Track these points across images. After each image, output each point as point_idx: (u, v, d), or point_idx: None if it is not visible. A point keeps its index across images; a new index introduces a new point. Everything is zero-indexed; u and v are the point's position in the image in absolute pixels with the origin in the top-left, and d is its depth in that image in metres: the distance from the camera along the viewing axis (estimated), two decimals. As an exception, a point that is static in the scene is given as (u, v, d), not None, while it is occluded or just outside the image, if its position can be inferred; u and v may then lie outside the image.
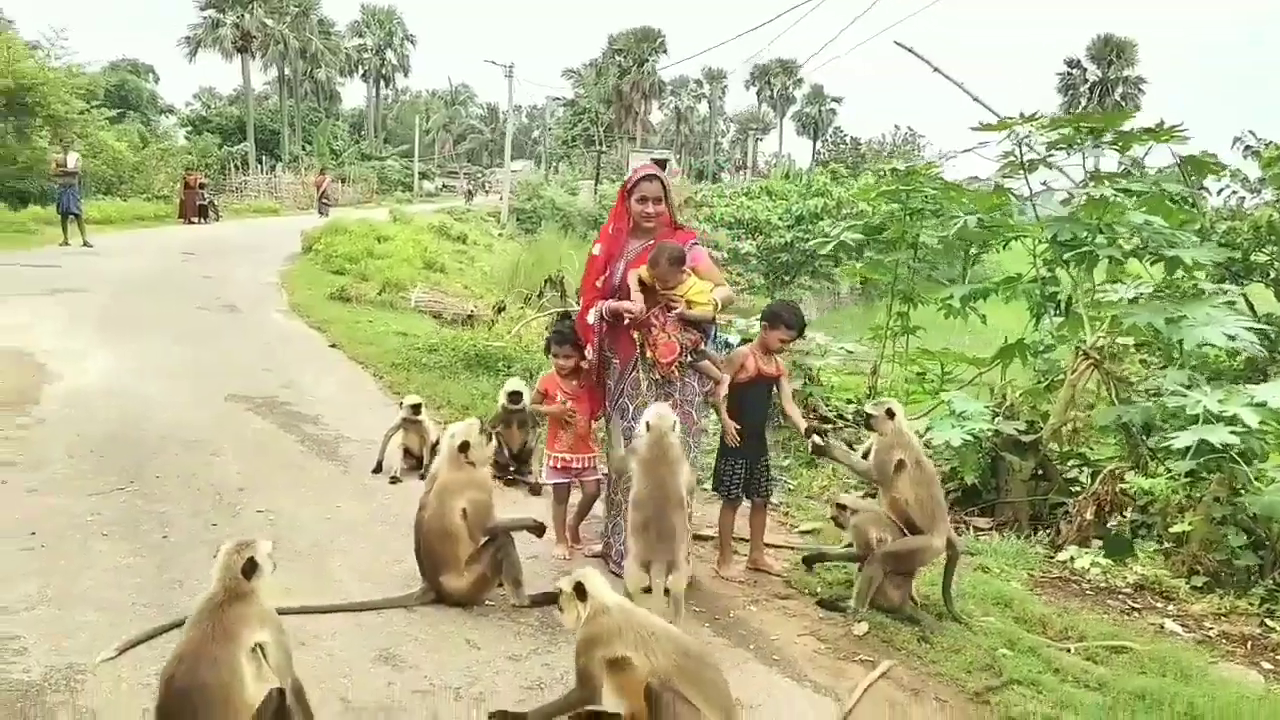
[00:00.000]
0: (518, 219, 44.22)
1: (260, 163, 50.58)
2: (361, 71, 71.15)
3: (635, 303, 5.01)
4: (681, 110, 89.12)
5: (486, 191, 61.23)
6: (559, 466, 5.50)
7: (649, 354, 5.08)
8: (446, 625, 4.42)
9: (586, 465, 5.52)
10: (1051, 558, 6.68)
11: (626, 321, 5.07)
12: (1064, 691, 4.36)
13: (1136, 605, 5.86)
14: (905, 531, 5.04)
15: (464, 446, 4.75)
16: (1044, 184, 8.82)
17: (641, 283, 5.08)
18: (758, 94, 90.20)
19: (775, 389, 5.63)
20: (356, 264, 18.53)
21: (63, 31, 32.79)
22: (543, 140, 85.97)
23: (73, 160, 20.41)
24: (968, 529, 7.42)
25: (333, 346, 11.22)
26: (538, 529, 4.87)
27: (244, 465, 6.44)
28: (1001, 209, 8.70)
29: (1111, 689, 4.45)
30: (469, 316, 14.17)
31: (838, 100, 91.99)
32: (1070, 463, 8.23)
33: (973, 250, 9.73)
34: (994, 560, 6.24)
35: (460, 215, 43.81)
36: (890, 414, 5.14)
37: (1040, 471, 7.95)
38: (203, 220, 29.79)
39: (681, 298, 5.03)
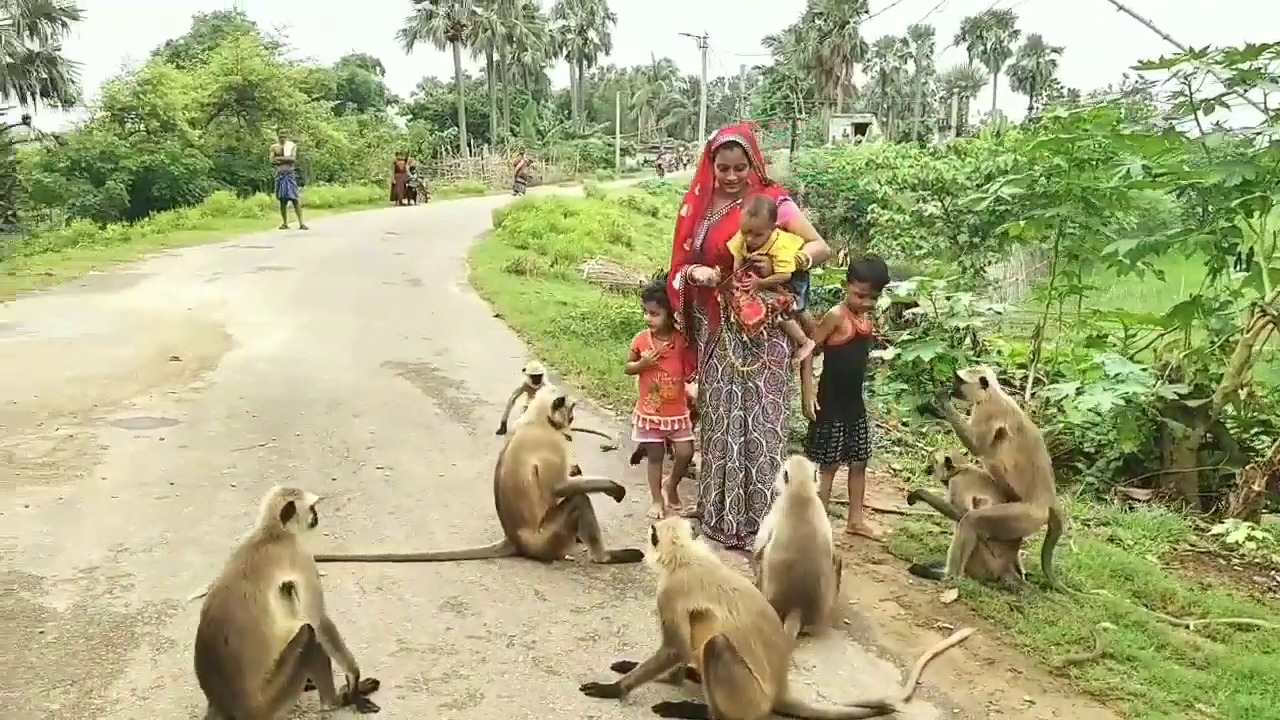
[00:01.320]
0: (713, 190, 44.23)
1: (470, 146, 52.97)
2: (565, 52, 72.94)
3: (708, 269, 4.95)
4: (887, 72, 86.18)
5: (685, 165, 61.50)
6: (647, 428, 5.51)
7: (733, 316, 5.02)
8: (520, 578, 4.56)
9: (677, 427, 5.49)
10: (1205, 531, 6.12)
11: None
12: (1162, 667, 4.02)
13: (1290, 583, 5.30)
14: (1007, 499, 4.77)
15: (558, 403, 4.88)
16: (1216, 125, 7.98)
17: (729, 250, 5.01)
18: (969, 49, 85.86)
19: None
20: (539, 239, 19.13)
21: (284, 29, 35.55)
22: (739, 110, 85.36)
23: (289, 149, 22.09)
24: (1120, 500, 6.91)
25: (496, 316, 11.68)
26: (616, 491, 4.91)
27: (379, 425, 6.85)
28: (1172, 153, 7.93)
29: (1220, 667, 4.06)
30: (640, 285, 14.33)
31: (1058, 51, 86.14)
32: (1253, 430, 7.50)
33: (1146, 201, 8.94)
34: (1131, 532, 5.77)
35: (655, 189, 44.31)
36: (984, 383, 4.88)
37: (1212, 440, 7.28)
38: (412, 202, 31.52)
39: (768, 255, 4.93)
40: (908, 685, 3.81)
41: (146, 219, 22.03)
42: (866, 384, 6.48)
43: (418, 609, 4.19)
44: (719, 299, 5.09)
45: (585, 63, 76.18)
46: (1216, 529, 6.11)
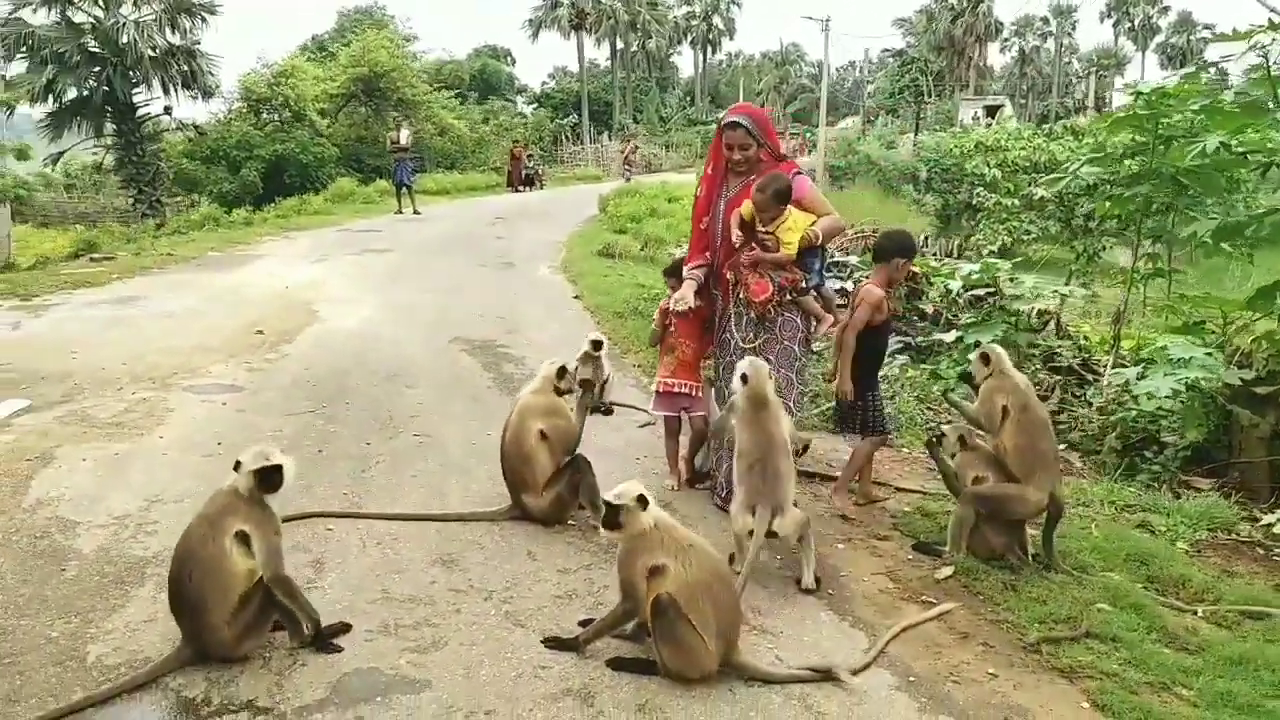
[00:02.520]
0: (831, 175, 43.63)
1: (590, 133, 53.63)
2: (690, 38, 72.93)
3: (687, 298, 5.12)
4: (1026, 51, 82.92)
5: (810, 151, 60.76)
6: (662, 391, 5.62)
7: (742, 293, 5.07)
8: (518, 538, 4.75)
9: (691, 393, 5.58)
10: (1256, 520, 5.84)
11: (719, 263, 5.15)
12: (1147, 649, 3.92)
13: (1331, 577, 5.03)
14: (1008, 479, 4.69)
15: (561, 371, 5.07)
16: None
17: (743, 220, 5.06)
18: (1114, 26, 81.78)
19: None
20: (638, 223, 19.33)
21: (408, 20, 36.74)
22: (860, 93, 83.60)
23: (404, 136, 22.91)
24: (1180, 488, 6.65)
25: (575, 298, 11.92)
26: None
27: (429, 396, 7.15)
28: (1255, 128, 7.52)
29: (1211, 653, 3.93)
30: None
31: (1209, 27, 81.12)
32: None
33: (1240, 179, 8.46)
34: (1168, 519, 5.57)
35: (774, 174, 43.92)
36: (985, 359, 4.80)
37: (1285, 429, 6.91)
38: (528, 188, 32.22)
39: (773, 235, 4.96)
40: (868, 654, 3.83)
41: (272, 204, 23.21)
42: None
43: (410, 563, 4.42)
44: (729, 275, 5.15)
45: (709, 49, 75.98)
46: (1267, 519, 5.82)
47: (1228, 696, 3.59)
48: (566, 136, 48.89)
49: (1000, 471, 4.72)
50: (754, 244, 4.99)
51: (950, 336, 8.31)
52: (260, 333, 8.99)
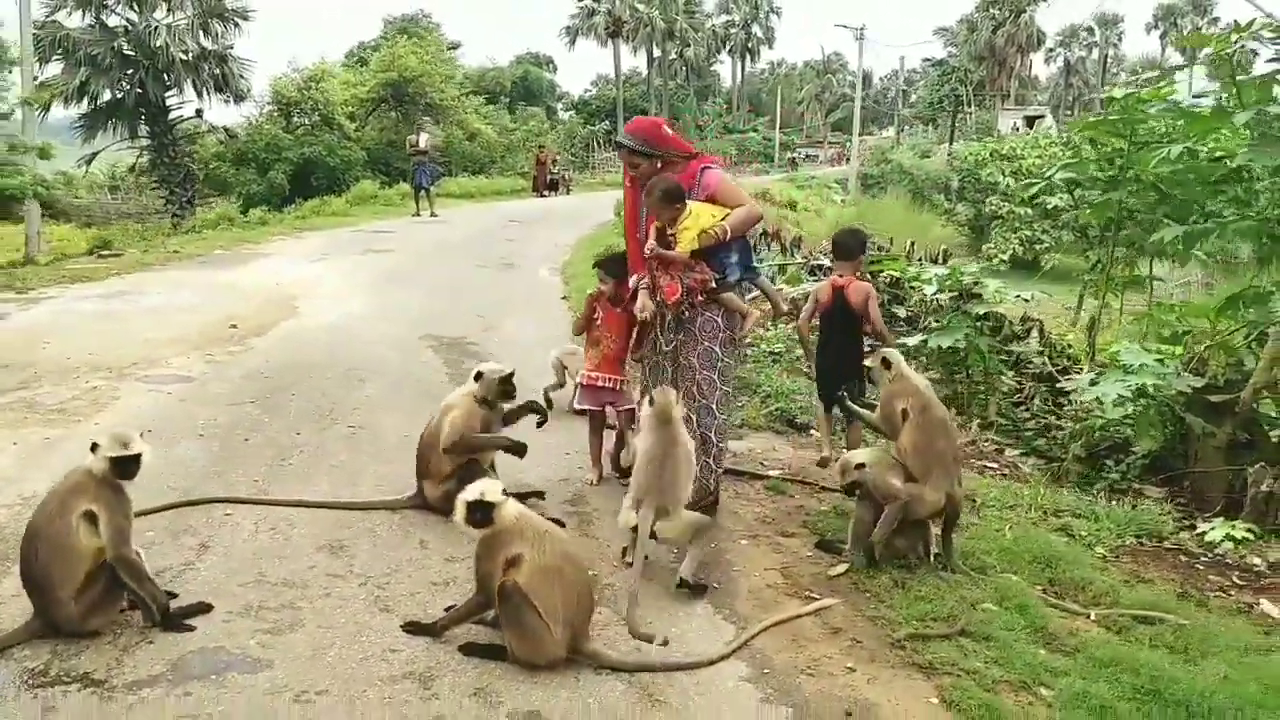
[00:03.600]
0: (863, 185, 43.42)
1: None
2: (728, 46, 72.91)
3: (645, 298, 5.08)
4: (1071, 62, 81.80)
5: (845, 161, 60.52)
6: (585, 384, 5.63)
7: (658, 295, 5.08)
8: (415, 527, 4.77)
9: (614, 387, 5.57)
10: (1194, 529, 5.73)
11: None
12: (1016, 649, 3.86)
13: (1246, 583, 4.92)
14: (908, 480, 4.64)
15: (478, 375, 5.10)
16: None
17: (659, 229, 5.04)
18: (1161, 38, 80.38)
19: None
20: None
21: (441, 28, 37.16)
22: (896, 102, 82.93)
23: (424, 140, 23.12)
24: (1134, 496, 6.52)
25: (563, 299, 11.94)
26: (515, 448, 5.03)
27: (378, 391, 7.21)
28: (1220, 133, 7.37)
29: (1085, 654, 3.86)
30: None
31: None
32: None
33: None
34: (1092, 525, 5.47)
35: (803, 183, 43.74)
36: (886, 363, 4.82)
37: (1246, 438, 6.74)
38: (553, 193, 32.37)
39: (675, 234, 4.95)
40: (729, 646, 3.80)
41: (293, 205, 23.55)
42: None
43: (296, 548, 4.46)
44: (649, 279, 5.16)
45: (749, 57, 75.90)
46: (1202, 527, 5.70)
47: (1084, 697, 3.51)
48: (599, 142, 49.05)
49: (901, 473, 4.68)
50: (659, 249, 4.99)
51: (914, 340, 8.20)
52: (234, 327, 9.13)
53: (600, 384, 5.60)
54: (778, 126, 66.19)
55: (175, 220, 22.87)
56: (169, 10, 27.63)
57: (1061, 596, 4.56)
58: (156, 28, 26.69)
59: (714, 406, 5.06)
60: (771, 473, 6.00)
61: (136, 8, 27.20)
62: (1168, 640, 4.12)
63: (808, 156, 68.46)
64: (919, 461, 4.59)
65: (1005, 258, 18.09)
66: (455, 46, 52.17)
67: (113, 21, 27.10)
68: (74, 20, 26.73)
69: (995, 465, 6.96)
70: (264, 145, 28.66)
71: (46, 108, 27.19)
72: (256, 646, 3.60)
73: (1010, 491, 5.94)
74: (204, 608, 3.79)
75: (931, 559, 4.67)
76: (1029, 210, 18.10)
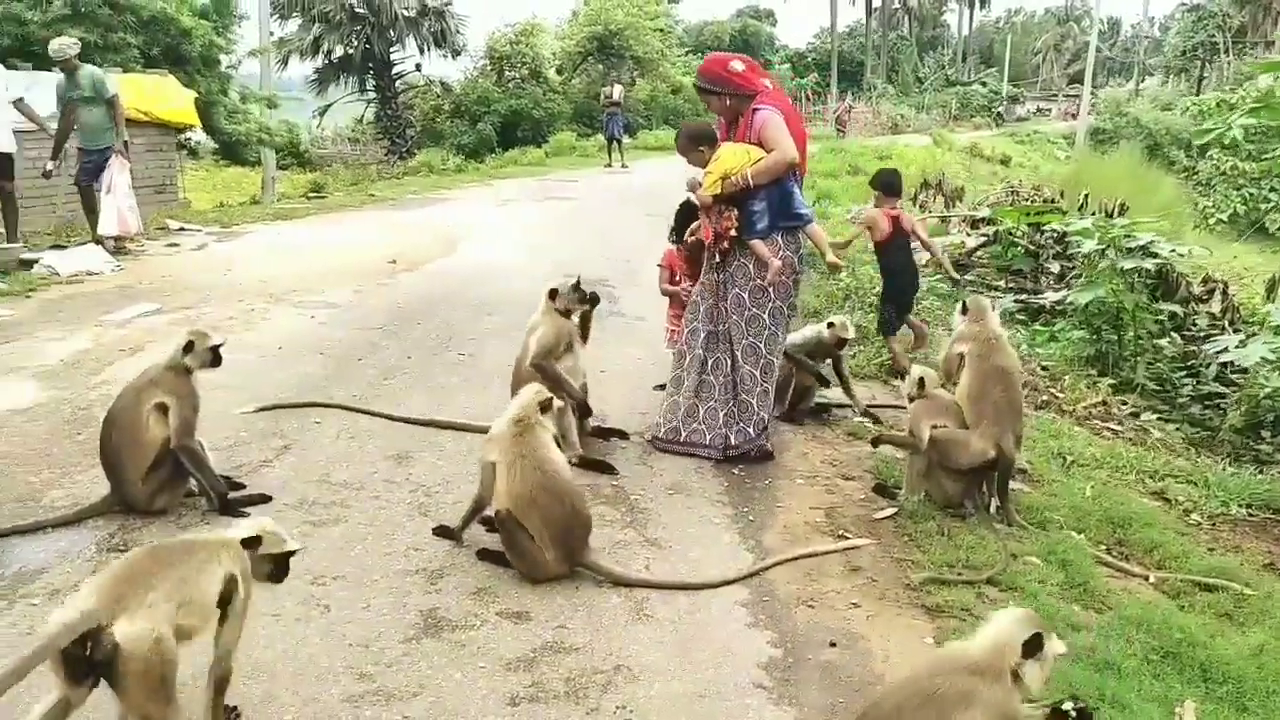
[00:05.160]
0: (1094, 140, 40.44)
1: (838, 92, 52.39)
2: (957, -6, 69.24)
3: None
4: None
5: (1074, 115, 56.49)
6: (674, 337, 5.72)
7: (696, 236, 5.16)
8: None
9: None
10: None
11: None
12: (1040, 601, 3.68)
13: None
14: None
15: (552, 293, 5.21)
16: None
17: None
18: None
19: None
20: (835, 179, 18.98)
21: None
22: (1136, 50, 76.06)
23: (617, 92, 23.48)
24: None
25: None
26: (583, 409, 5.14)
27: (498, 324, 7.51)
28: None
29: (1115, 613, 3.66)
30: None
31: None
32: None
33: None
34: (1195, 491, 5.09)
35: (1025, 138, 41.33)
36: (964, 309, 4.83)
37: None
38: (749, 146, 32.05)
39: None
40: (740, 573, 3.84)
41: (492, 154, 24.54)
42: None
43: (366, 455, 4.84)
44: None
45: (978, 4, 71.77)
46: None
47: (1089, 651, 3.34)
48: (807, 96, 48.00)
49: (958, 421, 4.52)
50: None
51: (1053, 297, 7.73)
52: (393, 262, 9.75)
53: None
54: (1005, 78, 62.41)
55: (381, 167, 24.29)
56: (395, -33, 29.26)
57: (1126, 558, 4.30)
58: (382, -15, 28.32)
59: (739, 354, 5.04)
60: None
61: (365, -35, 28.96)
62: (1224, 608, 3.83)
63: (1039, 110, 64.34)
64: (972, 407, 4.45)
65: (1224, 217, 16.51)
66: (674, 0, 52.38)
67: (343, -21, 28.95)
68: (310, -22, 28.79)
69: (1118, 429, 6.50)
70: (475, 98, 29.92)
71: (285, 62, 29.63)
72: (297, 534, 3.93)
73: (1113, 452, 5.57)
74: (263, 498, 4.20)
75: (990, 509, 4.50)
76: (1253, 166, 16.43)
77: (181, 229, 11.75)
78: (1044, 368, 7.39)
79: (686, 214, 5.75)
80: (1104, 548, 4.37)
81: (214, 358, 4.15)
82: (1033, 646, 2.39)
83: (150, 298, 7.92)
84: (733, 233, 4.90)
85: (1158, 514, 4.70)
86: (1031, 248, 9.77)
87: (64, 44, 9.45)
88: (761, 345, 5.06)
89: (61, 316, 7.31)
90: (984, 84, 63.73)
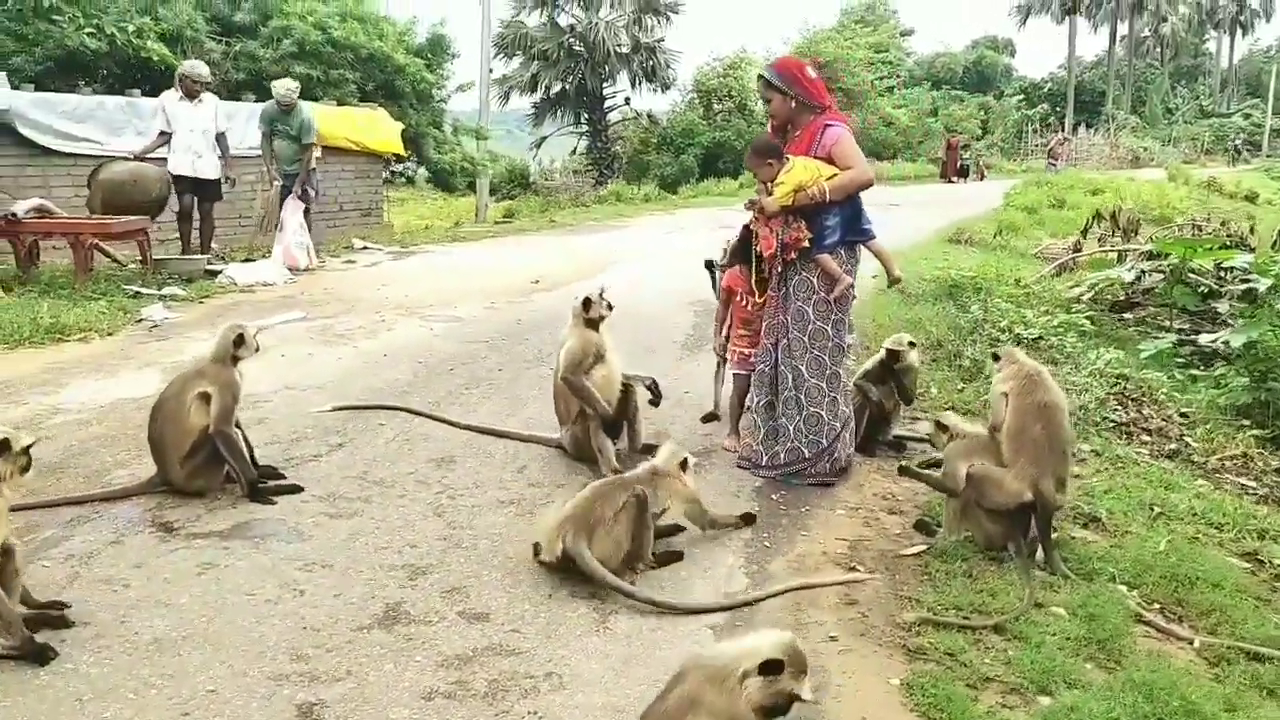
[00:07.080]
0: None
1: (1071, 124, 49.63)
2: (1215, 20, 63.99)
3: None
4: None
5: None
6: (738, 359, 5.62)
7: (756, 247, 5.07)
8: (536, 460, 5.15)
9: None
10: None
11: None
12: (1043, 654, 3.38)
13: None
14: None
15: (586, 303, 5.29)
16: None
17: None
18: None
19: None
20: (1034, 214, 18.07)
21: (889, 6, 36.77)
22: None
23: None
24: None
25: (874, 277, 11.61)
26: (612, 427, 5.15)
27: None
28: None
29: (1124, 675, 3.30)
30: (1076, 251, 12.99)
31: None
32: None
33: None
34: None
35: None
36: (995, 358, 4.68)
37: None
38: (962, 179, 30.92)
39: (771, 188, 4.86)
40: (724, 601, 3.74)
41: (687, 185, 24.92)
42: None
43: (413, 457, 5.04)
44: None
45: (1240, 31, 66.09)
46: None
47: (1070, 711, 3.02)
48: (1034, 129, 45.74)
49: (996, 459, 4.22)
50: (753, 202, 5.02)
51: (1208, 339, 7.00)
52: (536, 282, 10.11)
53: (753, 360, 5.51)
54: (1269, 110, 57.00)
55: (576, 196, 25.21)
56: (611, 7, 30.44)
57: (1179, 619, 3.85)
58: (597, 24, 29.52)
59: (803, 369, 4.95)
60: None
61: (583, 5, 30.29)
62: (1266, 680, 3.36)
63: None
64: (1010, 444, 4.15)
65: None
66: (907, 33, 51.38)
67: (562, 20, 30.42)
68: (532, 19, 30.43)
69: (1253, 484, 5.80)
70: (680, 131, 30.54)
71: (506, 97, 31.39)
72: (310, 525, 4.19)
73: (1217, 506, 4.99)
74: (293, 489, 4.47)
75: (1037, 556, 4.16)
76: None
77: (365, 248, 12.67)
78: (1183, 414, 6.70)
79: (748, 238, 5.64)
80: (1157, 606, 3.92)
81: (257, 346, 4.52)
82: (771, 668, 2.38)
83: (302, 307, 8.59)
84: (804, 244, 4.82)
85: (1236, 575, 4.15)
86: (1209, 285, 8.88)
87: (290, 88, 10.49)
88: (825, 357, 4.97)
89: (219, 321, 8.03)
90: (1247, 115, 58.62)
